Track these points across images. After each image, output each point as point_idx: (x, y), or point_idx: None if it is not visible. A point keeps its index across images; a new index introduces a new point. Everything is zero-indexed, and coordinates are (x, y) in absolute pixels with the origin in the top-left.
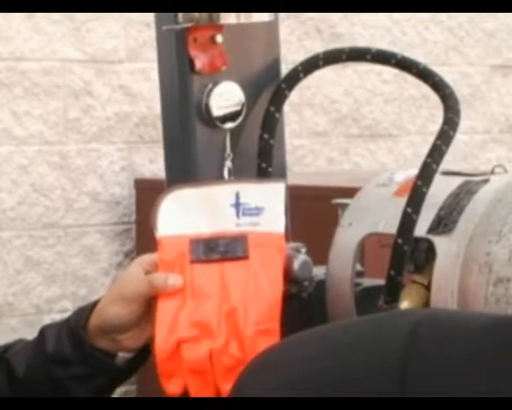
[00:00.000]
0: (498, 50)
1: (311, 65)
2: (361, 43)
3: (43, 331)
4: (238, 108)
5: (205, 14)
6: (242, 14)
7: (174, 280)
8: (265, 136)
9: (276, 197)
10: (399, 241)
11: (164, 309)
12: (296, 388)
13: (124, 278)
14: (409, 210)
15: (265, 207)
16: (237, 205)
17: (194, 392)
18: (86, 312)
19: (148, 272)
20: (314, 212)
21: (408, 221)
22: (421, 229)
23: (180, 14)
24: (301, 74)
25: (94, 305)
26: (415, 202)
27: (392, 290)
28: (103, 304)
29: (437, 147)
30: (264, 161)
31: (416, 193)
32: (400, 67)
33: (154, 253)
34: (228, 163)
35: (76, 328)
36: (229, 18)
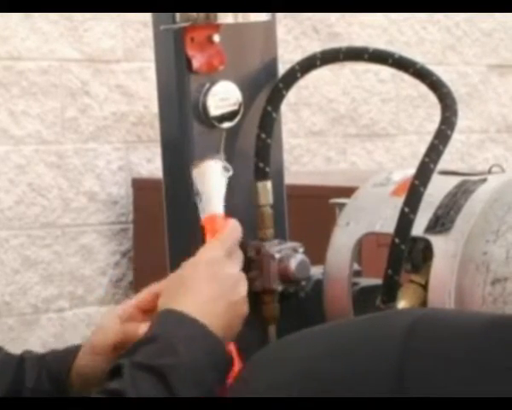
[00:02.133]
0: (495, 50)
1: (308, 64)
2: (358, 42)
3: (21, 366)
4: (235, 107)
5: (202, 14)
6: (240, 14)
7: (145, 327)
8: (263, 135)
9: (210, 177)
10: (397, 240)
11: None
12: (295, 387)
13: (97, 328)
14: (406, 210)
15: (201, 189)
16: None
17: None
18: (68, 363)
19: (123, 319)
20: (311, 211)
21: (405, 221)
22: (418, 228)
23: (177, 14)
24: (298, 74)
25: (75, 353)
26: (412, 201)
27: (390, 290)
28: (79, 356)
29: (434, 146)
30: (261, 161)
31: (414, 192)
32: (397, 66)
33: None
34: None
35: (59, 377)
36: (226, 18)
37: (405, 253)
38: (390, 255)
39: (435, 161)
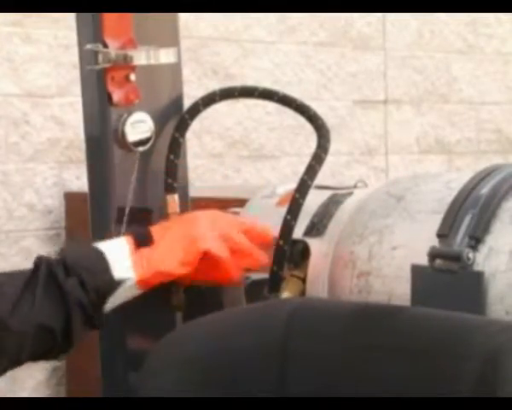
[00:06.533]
0: (359, 88)
1: (209, 99)
2: (249, 82)
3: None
4: (149, 134)
5: (120, 56)
6: (152, 57)
7: None
8: (171, 157)
9: None
10: (281, 242)
11: None
12: (203, 361)
13: None
14: (288, 217)
15: None
16: None
17: None
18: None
19: None
20: None
21: (288, 226)
22: (298, 232)
23: (100, 56)
24: (201, 107)
25: None
26: (293, 211)
27: (275, 283)
28: None
29: (311, 167)
30: (170, 178)
31: (295, 204)
32: (282, 102)
33: None
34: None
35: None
36: (140, 60)
37: (288, 252)
38: (275, 254)
39: (312, 179)
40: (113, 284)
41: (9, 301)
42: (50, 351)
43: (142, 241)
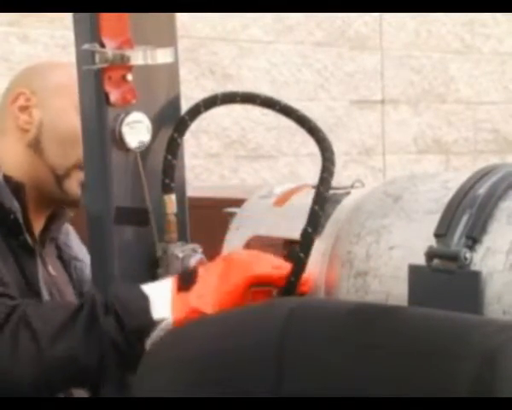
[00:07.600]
0: (356, 88)
1: (210, 102)
2: (247, 82)
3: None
4: (146, 133)
5: (118, 56)
6: (149, 57)
7: None
8: (169, 157)
9: None
10: (301, 255)
11: None
12: (200, 362)
13: None
14: (309, 230)
15: None
16: None
17: None
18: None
19: None
20: (208, 219)
21: (308, 239)
22: (296, 233)
23: (97, 57)
24: (202, 109)
25: None
26: (313, 223)
27: (290, 294)
28: None
29: (324, 179)
30: (167, 178)
31: (314, 216)
32: (282, 112)
33: None
34: None
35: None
36: (137, 60)
37: (306, 264)
38: (295, 266)
39: (327, 190)
40: (152, 326)
41: (49, 334)
42: (79, 383)
43: (188, 280)
